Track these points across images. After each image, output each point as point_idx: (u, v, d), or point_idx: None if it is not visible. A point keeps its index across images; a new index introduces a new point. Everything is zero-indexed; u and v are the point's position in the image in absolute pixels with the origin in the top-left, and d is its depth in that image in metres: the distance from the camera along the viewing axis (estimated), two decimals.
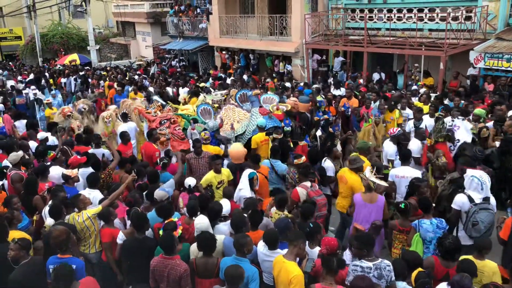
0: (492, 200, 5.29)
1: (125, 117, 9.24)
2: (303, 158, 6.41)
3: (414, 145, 7.16)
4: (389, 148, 7.18)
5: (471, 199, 5.20)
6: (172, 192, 5.75)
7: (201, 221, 4.75)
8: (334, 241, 4.19)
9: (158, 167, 6.82)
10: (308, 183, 5.78)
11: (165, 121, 8.20)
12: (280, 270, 4.09)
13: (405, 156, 6.45)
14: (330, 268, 3.84)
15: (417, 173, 6.18)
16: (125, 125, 8.94)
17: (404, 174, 6.20)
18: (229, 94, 10.00)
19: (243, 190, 5.91)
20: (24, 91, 14.52)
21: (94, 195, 5.70)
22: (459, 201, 5.25)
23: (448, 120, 7.54)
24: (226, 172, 6.55)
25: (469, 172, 5.42)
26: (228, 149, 7.47)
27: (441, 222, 4.87)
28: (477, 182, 5.23)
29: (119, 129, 8.81)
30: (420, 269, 3.94)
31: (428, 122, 8.42)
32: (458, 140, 7.22)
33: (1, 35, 32.03)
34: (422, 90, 11.11)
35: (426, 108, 9.03)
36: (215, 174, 6.42)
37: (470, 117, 8.04)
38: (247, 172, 6.00)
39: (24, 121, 10.22)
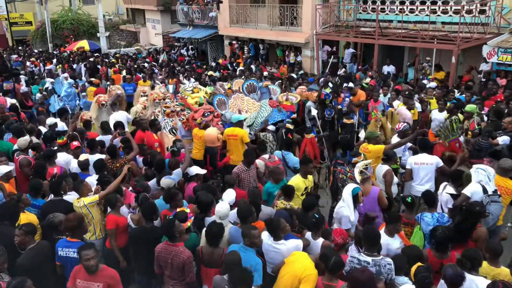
0: None
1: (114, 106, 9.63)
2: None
3: None
4: None
5: (485, 190, 5.06)
6: (178, 179, 5.75)
7: (223, 207, 4.70)
8: (345, 231, 4.47)
9: (168, 155, 6.83)
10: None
11: (209, 113, 8.18)
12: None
13: (424, 145, 6.41)
14: (327, 266, 3.80)
15: (435, 159, 6.16)
16: (116, 114, 9.05)
17: (423, 161, 6.17)
18: (232, 87, 9.74)
19: (345, 208, 4.98)
20: (49, 80, 14.29)
21: None
22: (472, 189, 5.07)
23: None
24: (311, 178, 6.02)
25: (475, 165, 5.40)
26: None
27: (442, 216, 4.84)
28: (484, 174, 5.19)
29: (111, 117, 8.89)
30: (419, 263, 3.90)
31: (437, 116, 8.36)
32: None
33: (12, 20, 32.06)
34: (433, 84, 10.95)
35: (433, 102, 8.93)
36: (303, 178, 5.83)
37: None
38: (350, 187, 5.04)
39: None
